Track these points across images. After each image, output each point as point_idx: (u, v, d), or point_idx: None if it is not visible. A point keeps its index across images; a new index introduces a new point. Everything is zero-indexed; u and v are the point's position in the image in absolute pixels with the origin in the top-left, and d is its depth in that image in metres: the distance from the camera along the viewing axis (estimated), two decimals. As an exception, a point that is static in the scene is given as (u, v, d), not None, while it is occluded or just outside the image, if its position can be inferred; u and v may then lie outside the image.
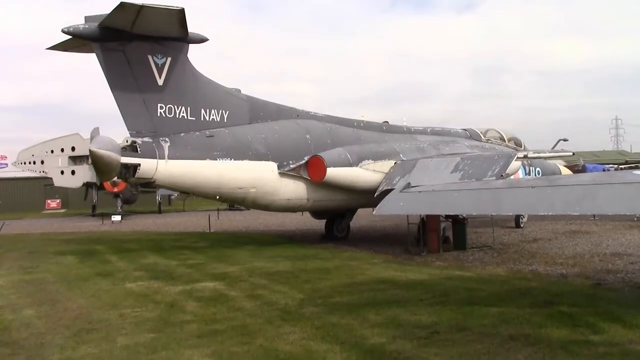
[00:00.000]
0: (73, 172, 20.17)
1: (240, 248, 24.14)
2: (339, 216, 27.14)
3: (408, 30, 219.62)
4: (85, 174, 20.04)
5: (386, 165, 23.10)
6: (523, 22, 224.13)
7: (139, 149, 19.16)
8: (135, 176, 19.43)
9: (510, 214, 24.28)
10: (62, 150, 20.23)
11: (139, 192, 54.48)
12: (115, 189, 47.68)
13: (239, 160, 20.96)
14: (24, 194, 75.30)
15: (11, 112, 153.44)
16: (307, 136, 22.93)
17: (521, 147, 30.53)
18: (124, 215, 47.45)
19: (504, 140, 30.04)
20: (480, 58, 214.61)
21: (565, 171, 31.05)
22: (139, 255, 22.87)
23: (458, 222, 21.67)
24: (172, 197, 35.48)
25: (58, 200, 72.73)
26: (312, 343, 9.68)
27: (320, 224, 37.15)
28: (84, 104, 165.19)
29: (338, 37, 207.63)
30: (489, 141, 29.32)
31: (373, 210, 14.27)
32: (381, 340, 9.68)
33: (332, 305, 12.51)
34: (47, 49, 21.34)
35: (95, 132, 18.41)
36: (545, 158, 26.17)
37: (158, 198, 57.65)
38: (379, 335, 9.96)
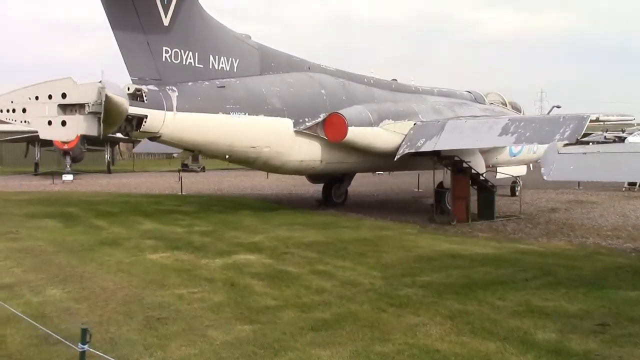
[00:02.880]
0: (64, 123, 17.13)
1: (237, 214, 21.79)
2: (337, 180, 25.15)
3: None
4: (79, 125, 17.05)
5: (406, 126, 21.17)
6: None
7: (145, 98, 16.48)
8: (140, 130, 16.79)
9: None
10: (50, 96, 17.10)
11: (86, 149, 50.67)
12: (66, 146, 43.74)
13: (253, 115, 18.56)
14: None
15: None
16: (322, 91, 20.67)
17: (520, 111, 29.30)
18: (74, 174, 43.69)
19: (505, 104, 28.65)
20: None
21: None
22: (128, 219, 20.22)
23: (486, 190, 20.10)
24: (175, 155, 32.28)
25: (-11, 157, 67.19)
26: (466, 339, 7.76)
27: (285, 186, 35.75)
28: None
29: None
30: (492, 104, 27.84)
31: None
32: (551, 336, 7.86)
33: (429, 285, 10.62)
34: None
35: (104, 77, 15.63)
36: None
37: (107, 157, 53.78)
38: (541, 329, 8.14)
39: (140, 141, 43.24)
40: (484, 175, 20.65)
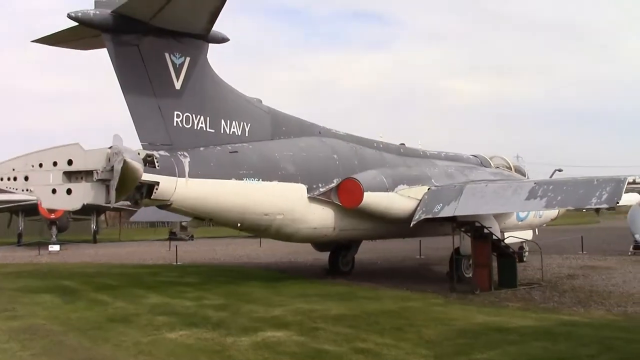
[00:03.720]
0: (69, 191, 16.17)
1: (244, 285, 20.69)
2: (344, 248, 24.25)
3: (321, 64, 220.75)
4: (85, 193, 16.12)
5: (420, 191, 20.54)
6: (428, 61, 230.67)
7: (157, 164, 15.67)
8: (152, 197, 15.89)
9: None
10: (55, 163, 16.22)
11: (72, 218, 49.31)
12: (53, 216, 42.40)
13: (267, 181, 17.79)
14: None
15: None
16: (335, 156, 20.04)
17: (525, 175, 28.90)
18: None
19: (510, 168, 28.25)
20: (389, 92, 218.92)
21: None
22: (131, 293, 19.00)
23: (507, 256, 19.31)
24: (184, 223, 31.26)
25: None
26: None
27: (281, 254, 34.65)
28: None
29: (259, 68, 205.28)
30: (498, 168, 27.41)
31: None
32: None
33: (491, 365, 9.65)
34: (34, 41, 17.56)
35: (119, 140, 14.83)
36: None
37: (93, 226, 52.35)
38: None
39: (136, 210, 42.18)
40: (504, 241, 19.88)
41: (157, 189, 15.73)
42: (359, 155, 20.85)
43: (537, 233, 29.09)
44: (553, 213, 27.58)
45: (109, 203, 15.93)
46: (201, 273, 25.16)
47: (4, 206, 48.17)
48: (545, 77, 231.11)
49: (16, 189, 16.41)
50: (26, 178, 16.28)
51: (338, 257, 24.21)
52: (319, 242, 22.43)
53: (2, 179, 16.31)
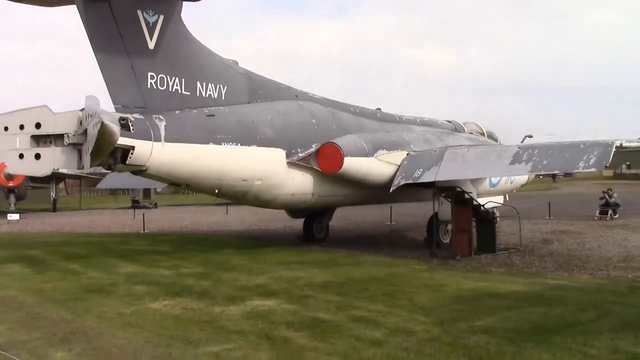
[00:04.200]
0: (37, 156, 15.29)
1: (220, 252, 20.21)
2: (318, 215, 23.89)
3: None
4: (56, 158, 15.26)
5: (399, 156, 20.19)
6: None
7: (131, 128, 14.88)
8: (127, 162, 15.13)
9: None
10: (22, 127, 15.29)
11: (30, 186, 47.74)
12: (11, 183, 40.84)
13: (245, 145, 17.18)
14: None
15: None
16: (313, 120, 19.48)
17: (497, 141, 28.85)
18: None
19: (483, 134, 28.14)
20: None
21: None
22: (103, 262, 18.31)
23: (487, 221, 19.22)
24: (158, 189, 30.19)
25: None
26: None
27: (250, 221, 34.17)
28: None
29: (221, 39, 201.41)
30: (471, 134, 27.27)
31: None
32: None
33: (493, 332, 9.44)
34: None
35: (94, 101, 13.99)
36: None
37: (53, 194, 50.74)
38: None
39: (96, 178, 40.79)
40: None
41: (132, 154, 14.96)
42: (337, 119, 20.34)
43: (507, 199, 29.21)
44: (523, 179, 27.68)
45: (82, 168, 15.15)
46: (172, 241, 24.52)
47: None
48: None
49: (-21, 154, 15.46)
50: (-9, 142, 15.37)
51: (312, 224, 23.85)
52: (296, 209, 21.95)
53: (-36, 143, 15.36)
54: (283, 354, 8.44)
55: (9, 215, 38.38)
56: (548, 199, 38.05)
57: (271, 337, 9.34)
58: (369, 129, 21.12)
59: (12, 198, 41.82)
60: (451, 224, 19.86)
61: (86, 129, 14.41)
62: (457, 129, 26.59)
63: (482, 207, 19.19)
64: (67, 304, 12.21)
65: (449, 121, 26.81)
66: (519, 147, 17.13)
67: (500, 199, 27.92)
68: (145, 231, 29.55)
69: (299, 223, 27.47)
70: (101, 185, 36.69)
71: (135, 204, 51.42)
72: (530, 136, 31.98)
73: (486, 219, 19.16)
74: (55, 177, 49.92)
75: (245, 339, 9.29)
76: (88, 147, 14.07)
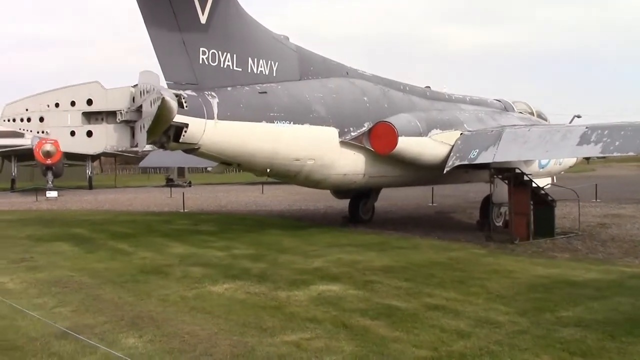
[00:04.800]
0: (89, 133, 15.02)
1: (267, 233, 19.83)
2: (364, 196, 23.33)
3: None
4: (108, 135, 14.97)
5: (452, 136, 19.51)
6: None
7: (185, 105, 14.41)
8: (180, 140, 14.70)
9: None
10: (73, 103, 15.00)
11: (67, 164, 47.97)
12: (49, 161, 40.98)
13: (298, 124, 16.66)
14: None
15: None
16: (365, 98, 18.89)
17: (547, 121, 27.94)
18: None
19: (533, 114, 27.24)
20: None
21: None
22: (152, 242, 18.03)
23: (546, 205, 18.48)
24: (209, 169, 29.94)
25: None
26: None
27: (287, 201, 33.75)
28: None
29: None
30: (521, 113, 26.39)
31: None
32: None
33: (584, 324, 8.84)
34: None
35: (152, 78, 13.56)
36: None
37: (89, 172, 50.96)
38: None
39: (142, 157, 40.55)
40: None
41: (185, 132, 14.53)
42: (388, 97, 19.71)
43: (554, 181, 28.34)
44: (572, 161, 26.84)
45: (135, 146, 14.79)
46: (215, 221, 24.22)
47: (-4, 151, 46.71)
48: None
49: (30, 131, 15.22)
50: (41, 119, 15.14)
51: (358, 204, 23.32)
52: (345, 190, 21.41)
53: (14, 120, 15.11)
54: (366, 345, 7.94)
55: (47, 192, 38.56)
56: (588, 181, 37.06)
57: (348, 326, 8.85)
58: (420, 108, 20.46)
59: (50, 175, 42.02)
60: (505, 206, 19.26)
61: (140, 106, 14.01)
62: (506, 108, 25.72)
63: (542, 190, 18.43)
64: (127, 285, 11.88)
65: (498, 100, 25.96)
66: (587, 127, 16.29)
67: (548, 181, 27.08)
68: (185, 210, 29.35)
69: (340, 203, 27.13)
70: (144, 163, 36.48)
71: (170, 182, 51.45)
72: (578, 116, 30.87)
73: (544, 201, 18.41)
74: (91, 155, 50.06)
75: (321, 327, 8.81)
76: (143, 124, 13.68)
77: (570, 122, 30.61)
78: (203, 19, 15.52)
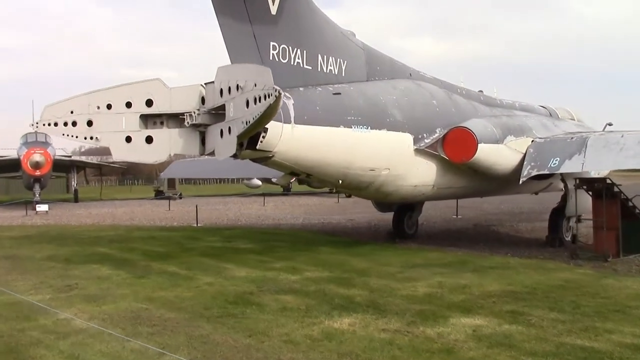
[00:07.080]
0: (149, 140, 12.86)
1: (320, 251, 17.81)
2: (409, 209, 21.49)
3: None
4: (172, 142, 12.83)
5: (524, 143, 17.88)
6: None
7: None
8: (257, 147, 12.68)
9: None
10: (129, 104, 12.82)
11: (53, 177, 45.14)
12: (38, 172, 38.15)
13: (376, 129, 14.81)
14: None
15: None
16: (434, 102, 17.16)
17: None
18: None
19: (574, 119, 25.88)
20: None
21: None
22: (201, 263, 15.87)
23: (634, 218, 16.93)
24: (274, 180, 27.30)
25: None
26: None
27: (296, 214, 31.87)
28: None
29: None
30: (564, 119, 25.02)
31: None
32: None
33: None
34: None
35: (263, 72, 11.45)
36: None
37: (74, 184, 48.03)
38: None
39: (120, 167, 38.17)
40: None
41: (264, 137, 12.53)
42: (453, 101, 18.02)
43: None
44: None
45: (211, 155, 12.74)
46: (244, 237, 22.11)
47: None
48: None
49: (76, 137, 12.97)
50: (89, 123, 12.95)
51: (403, 218, 21.45)
52: (416, 202, 19.52)
53: (56, 124, 12.88)
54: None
55: (37, 206, 35.81)
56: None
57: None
58: (482, 113, 18.82)
59: (37, 188, 39.21)
60: (574, 218, 17.68)
61: (221, 106, 12.01)
62: (551, 114, 24.30)
63: (630, 201, 16.88)
64: (225, 321, 9.80)
65: (543, 106, 24.52)
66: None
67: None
68: (199, 224, 27.21)
69: (359, 216, 25.30)
70: (165, 174, 34.02)
71: (159, 194, 49.01)
72: (610, 124, 29.67)
73: (633, 214, 16.88)
74: (76, 166, 47.35)
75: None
76: (229, 127, 11.64)
77: (603, 130, 29.44)
78: (273, 8, 13.61)
